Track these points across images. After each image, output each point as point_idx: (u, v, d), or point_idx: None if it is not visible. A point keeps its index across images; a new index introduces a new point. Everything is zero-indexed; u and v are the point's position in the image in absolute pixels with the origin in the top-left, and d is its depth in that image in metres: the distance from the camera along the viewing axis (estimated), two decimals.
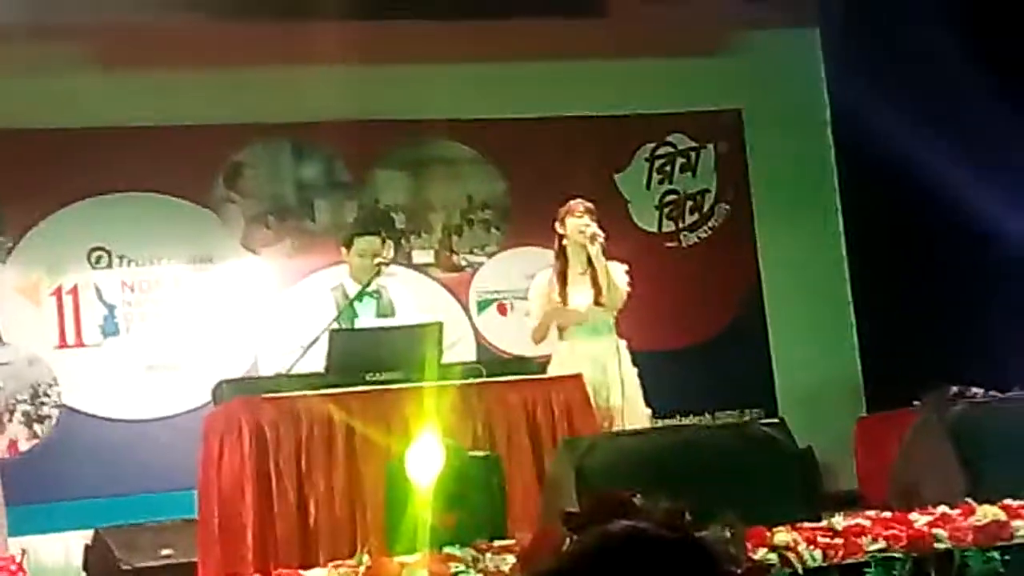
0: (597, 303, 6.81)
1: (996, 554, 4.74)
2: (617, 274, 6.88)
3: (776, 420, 6.54)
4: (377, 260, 6.89)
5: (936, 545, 4.73)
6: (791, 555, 4.58)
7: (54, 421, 8.32)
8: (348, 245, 6.94)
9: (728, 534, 3.80)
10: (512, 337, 8.80)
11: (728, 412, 9.30)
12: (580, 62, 9.33)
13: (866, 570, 4.63)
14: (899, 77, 8.68)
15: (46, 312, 8.42)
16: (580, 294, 6.86)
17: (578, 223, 6.85)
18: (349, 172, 9.13)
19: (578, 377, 6.35)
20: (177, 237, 8.66)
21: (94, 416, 8.37)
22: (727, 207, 9.79)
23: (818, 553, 4.61)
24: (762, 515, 4.62)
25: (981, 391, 7.50)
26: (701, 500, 2.44)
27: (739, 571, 4.25)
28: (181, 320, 8.61)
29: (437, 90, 9.03)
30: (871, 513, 5.01)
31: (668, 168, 9.73)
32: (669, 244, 9.66)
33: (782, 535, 4.62)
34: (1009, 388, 7.04)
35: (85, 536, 7.37)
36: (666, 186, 9.71)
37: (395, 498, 5.00)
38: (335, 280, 7.09)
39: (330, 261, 8.19)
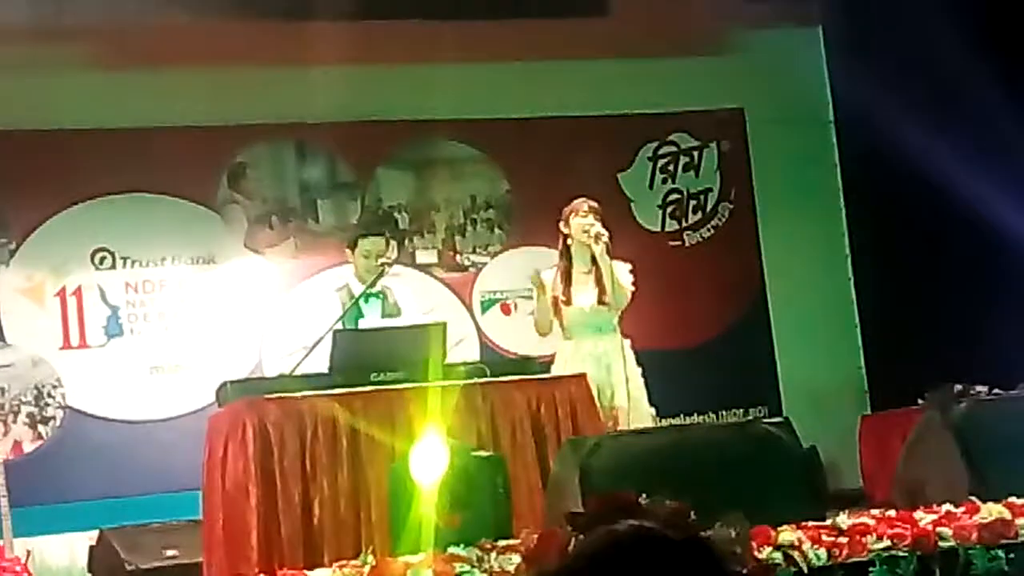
0: (601, 303, 6.81)
1: (1001, 552, 4.74)
2: (622, 273, 6.88)
3: (780, 419, 6.52)
4: (381, 261, 6.91)
5: (941, 543, 4.73)
6: (796, 554, 4.58)
7: (58, 422, 8.33)
8: (352, 247, 6.97)
9: (733, 533, 3.80)
10: (516, 337, 8.81)
11: (732, 411, 9.30)
12: (583, 61, 9.33)
13: (871, 569, 4.63)
14: (902, 75, 8.68)
15: (50, 313, 8.42)
16: (584, 293, 6.86)
17: (583, 222, 6.85)
18: (352, 172, 9.13)
19: (582, 377, 6.36)
20: (181, 238, 8.66)
21: (98, 417, 8.37)
22: (730, 206, 9.79)
23: (823, 552, 4.61)
24: (767, 514, 4.61)
25: (985, 389, 7.50)
26: (706, 500, 2.45)
27: (744, 570, 4.25)
28: (185, 321, 8.61)
29: (440, 90, 9.02)
30: (876, 512, 5.01)
31: (671, 167, 9.73)
32: (672, 243, 9.65)
33: (787, 534, 4.62)
34: (1013, 386, 7.05)
35: (90, 537, 7.37)
36: (669, 185, 9.71)
37: (399, 498, 5.00)
38: (338, 281, 7.11)
39: (333, 262, 8.19)
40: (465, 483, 4.93)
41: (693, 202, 9.75)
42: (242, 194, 8.91)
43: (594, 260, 6.83)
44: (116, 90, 8.50)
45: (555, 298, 6.89)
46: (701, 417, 9.11)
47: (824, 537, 4.66)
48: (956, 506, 4.95)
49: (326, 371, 6.00)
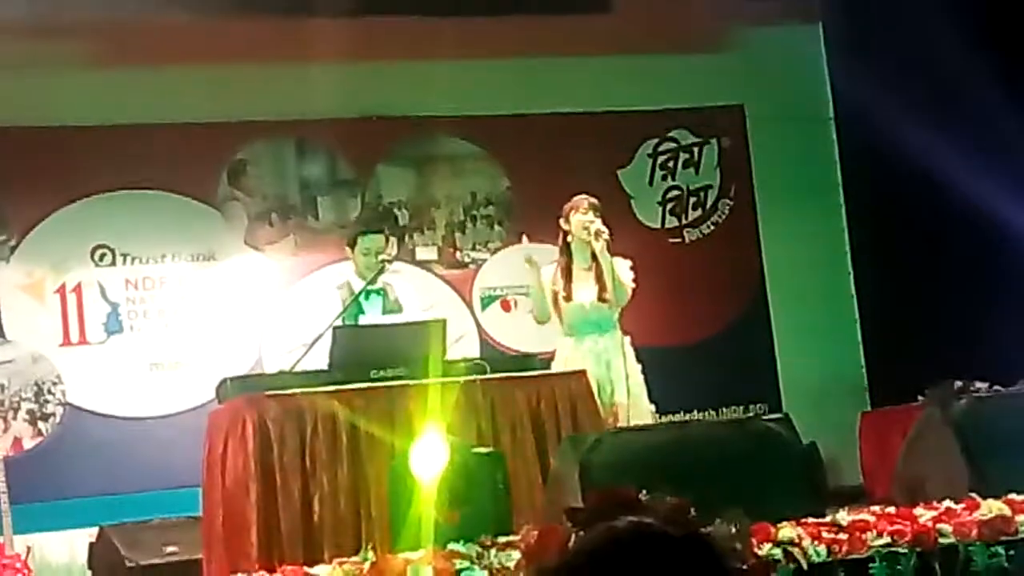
0: (601, 299, 6.81)
1: (1001, 549, 4.74)
2: (622, 270, 6.88)
3: (780, 416, 6.52)
4: (381, 257, 6.91)
5: (941, 540, 4.73)
6: (796, 550, 4.58)
7: (58, 419, 8.33)
8: (353, 243, 6.98)
9: (733, 530, 3.80)
10: (516, 333, 8.81)
11: (732, 408, 9.30)
12: (583, 58, 9.33)
13: (871, 565, 4.63)
14: (902, 73, 8.68)
15: (50, 310, 8.43)
16: (584, 290, 6.86)
17: (583, 219, 6.85)
18: (352, 169, 9.13)
19: (582, 373, 6.36)
20: (181, 235, 8.66)
21: (98, 414, 8.37)
22: (730, 203, 9.79)
23: (823, 548, 4.61)
24: (767, 511, 4.61)
25: (985, 386, 7.50)
26: (705, 496, 2.44)
27: (744, 567, 4.25)
28: (185, 318, 8.61)
29: (440, 86, 9.02)
30: (876, 508, 5.00)
31: (671, 164, 9.73)
32: (672, 240, 9.66)
33: (787, 531, 4.62)
34: (1014, 382, 7.03)
35: (90, 533, 7.37)
36: (669, 182, 9.71)
37: (399, 495, 5.00)
38: (338, 278, 7.12)
39: (333, 258, 8.20)
40: (465, 479, 4.93)
41: (693, 199, 9.75)
42: (242, 191, 8.91)
43: (594, 257, 6.83)
44: (116, 87, 8.50)
45: (555, 294, 6.89)
46: (701, 414, 9.11)
47: (824, 534, 4.66)
48: (956, 503, 4.95)
49: (326, 368, 6.00)
